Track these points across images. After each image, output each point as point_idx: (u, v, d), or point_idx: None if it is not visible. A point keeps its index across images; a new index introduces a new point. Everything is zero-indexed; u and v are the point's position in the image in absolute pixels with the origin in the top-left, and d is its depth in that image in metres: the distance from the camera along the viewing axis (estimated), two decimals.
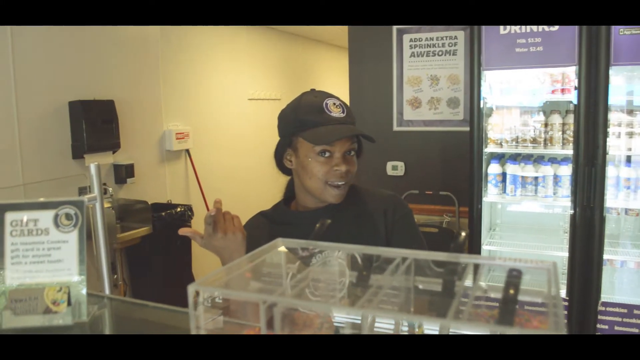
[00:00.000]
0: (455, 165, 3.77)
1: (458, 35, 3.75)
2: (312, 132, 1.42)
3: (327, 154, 1.44)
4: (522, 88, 3.14)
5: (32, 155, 3.30)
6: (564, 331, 0.49)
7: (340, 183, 1.45)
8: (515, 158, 3.20)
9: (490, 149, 3.14)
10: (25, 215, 1.06)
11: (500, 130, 3.12)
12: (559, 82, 2.99)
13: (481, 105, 3.03)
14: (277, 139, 1.56)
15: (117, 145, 3.75)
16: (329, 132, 1.40)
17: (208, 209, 4.87)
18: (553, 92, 3.02)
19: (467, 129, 3.18)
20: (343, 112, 1.44)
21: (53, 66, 3.47)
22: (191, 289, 0.64)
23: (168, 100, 4.44)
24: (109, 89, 3.82)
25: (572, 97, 2.86)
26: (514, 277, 0.65)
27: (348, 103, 4.36)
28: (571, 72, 2.88)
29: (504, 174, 3.16)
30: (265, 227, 1.56)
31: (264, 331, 0.62)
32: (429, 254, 0.74)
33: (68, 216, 1.04)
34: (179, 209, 3.85)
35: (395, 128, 4.01)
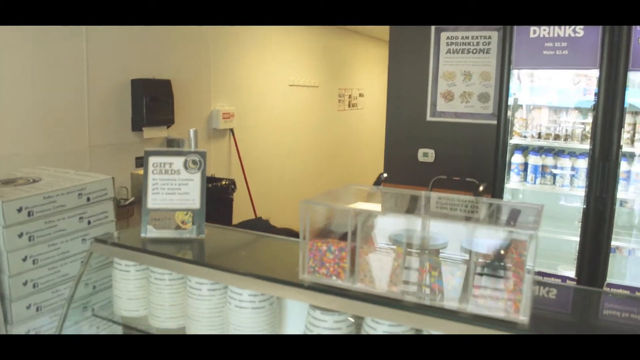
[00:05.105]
0: (482, 154, 4.13)
1: (492, 35, 4.12)
2: None
3: None
4: (551, 87, 3.47)
5: (97, 124, 3.79)
6: None
7: None
8: (538, 151, 3.57)
9: (514, 140, 3.51)
10: (163, 159, 1.41)
11: (525, 125, 3.49)
12: (586, 85, 3.30)
13: (509, 101, 3.40)
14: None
15: (171, 121, 4.21)
16: None
17: (247, 185, 5.39)
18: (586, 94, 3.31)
19: (495, 122, 3.53)
20: None
21: (120, 46, 3.94)
22: (302, 204, 0.92)
23: (217, 83, 4.89)
24: (166, 69, 4.29)
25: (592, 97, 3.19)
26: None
27: (385, 93, 4.80)
28: (593, 75, 3.21)
29: (525, 164, 3.53)
30: None
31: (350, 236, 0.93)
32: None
33: (194, 162, 1.41)
34: (223, 182, 4.24)
35: (429, 118, 4.40)
